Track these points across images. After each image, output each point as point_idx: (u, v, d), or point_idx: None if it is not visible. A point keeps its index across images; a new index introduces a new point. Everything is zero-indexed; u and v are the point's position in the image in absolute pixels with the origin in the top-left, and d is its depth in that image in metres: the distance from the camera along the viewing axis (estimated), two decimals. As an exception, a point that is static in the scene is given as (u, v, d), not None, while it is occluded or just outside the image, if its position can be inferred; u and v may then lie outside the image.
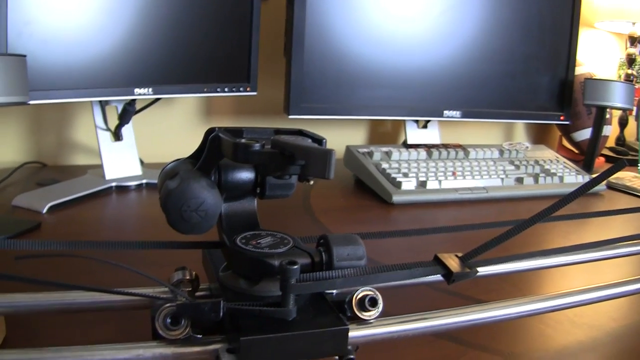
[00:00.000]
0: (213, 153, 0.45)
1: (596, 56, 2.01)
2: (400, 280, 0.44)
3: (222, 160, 0.49)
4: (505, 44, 1.48)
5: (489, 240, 0.49)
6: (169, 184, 0.42)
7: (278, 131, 0.46)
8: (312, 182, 0.41)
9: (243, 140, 0.41)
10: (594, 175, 1.45)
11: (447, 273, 0.47)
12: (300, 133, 0.47)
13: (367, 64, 1.34)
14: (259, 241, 0.48)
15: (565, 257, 0.68)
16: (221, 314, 0.41)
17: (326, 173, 0.38)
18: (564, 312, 0.71)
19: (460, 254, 0.49)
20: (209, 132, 0.47)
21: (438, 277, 0.57)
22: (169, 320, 0.44)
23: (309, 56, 1.26)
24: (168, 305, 0.44)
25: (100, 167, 1.17)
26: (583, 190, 0.48)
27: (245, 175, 0.50)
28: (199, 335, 0.45)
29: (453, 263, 0.48)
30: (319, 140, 0.45)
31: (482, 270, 0.58)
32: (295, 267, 0.41)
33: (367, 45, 1.33)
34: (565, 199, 0.47)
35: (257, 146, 0.40)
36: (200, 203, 0.41)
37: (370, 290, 0.49)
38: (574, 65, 1.58)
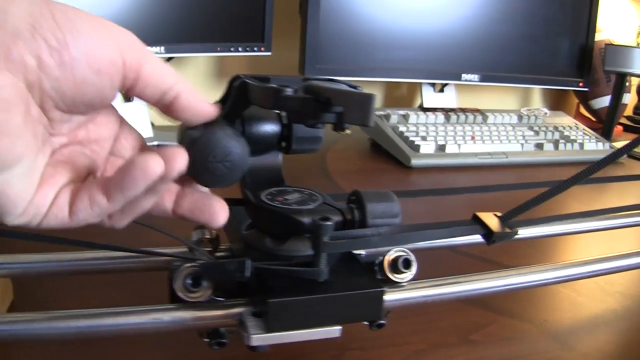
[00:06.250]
0: (239, 100, 0.41)
1: (614, 24, 1.95)
2: (438, 239, 0.41)
3: (246, 112, 0.45)
4: (525, 6, 1.43)
5: (529, 200, 0.46)
6: (192, 133, 0.39)
7: (307, 79, 0.42)
8: (348, 131, 0.38)
9: (274, 85, 0.37)
10: (614, 144, 1.42)
11: (488, 233, 0.44)
12: (331, 81, 0.43)
13: (385, 24, 1.29)
14: (286, 197, 0.44)
15: (604, 222, 0.64)
16: (248, 273, 0.38)
17: (367, 119, 0.34)
18: (595, 280, 0.69)
19: (499, 214, 0.46)
20: (233, 79, 0.43)
21: (472, 239, 0.54)
22: (189, 282, 0.40)
23: (325, 15, 1.22)
24: (189, 265, 0.41)
25: (109, 128, 1.13)
26: (624, 151, 0.45)
27: (271, 127, 0.46)
28: (220, 299, 0.42)
29: (493, 222, 0.44)
30: (353, 87, 0.41)
31: (522, 232, 0.56)
32: (329, 223, 0.38)
33: (385, 5, 1.28)
34: (605, 160, 0.44)
35: (289, 91, 0.36)
36: (228, 153, 0.38)
37: (403, 251, 0.46)
38: (594, 30, 1.53)
